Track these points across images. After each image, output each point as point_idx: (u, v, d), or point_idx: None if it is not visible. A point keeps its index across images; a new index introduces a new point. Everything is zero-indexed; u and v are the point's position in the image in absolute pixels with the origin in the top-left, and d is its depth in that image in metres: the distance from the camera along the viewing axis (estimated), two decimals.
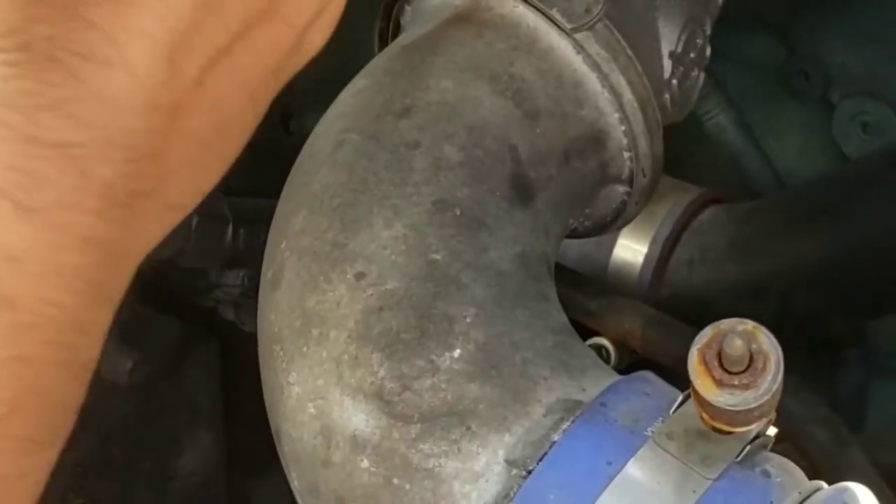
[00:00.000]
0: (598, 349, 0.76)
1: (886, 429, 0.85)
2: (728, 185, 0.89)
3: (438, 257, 0.52)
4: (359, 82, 0.59)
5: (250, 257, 0.76)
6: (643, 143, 0.59)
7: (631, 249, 0.81)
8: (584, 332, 0.74)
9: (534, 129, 0.57)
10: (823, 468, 0.62)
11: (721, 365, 0.43)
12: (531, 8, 0.58)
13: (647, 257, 0.80)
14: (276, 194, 0.90)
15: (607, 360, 0.75)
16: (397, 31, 0.65)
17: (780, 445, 0.49)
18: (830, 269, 0.79)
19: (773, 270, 0.80)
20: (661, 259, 0.80)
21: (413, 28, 0.61)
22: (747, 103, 0.93)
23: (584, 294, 0.73)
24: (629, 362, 0.76)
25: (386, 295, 0.51)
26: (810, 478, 0.47)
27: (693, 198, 0.82)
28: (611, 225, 0.64)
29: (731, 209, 0.83)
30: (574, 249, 0.81)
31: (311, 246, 0.54)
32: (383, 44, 0.65)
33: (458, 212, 0.54)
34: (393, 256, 0.52)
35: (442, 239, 0.53)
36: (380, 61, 0.59)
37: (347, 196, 0.54)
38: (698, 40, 0.64)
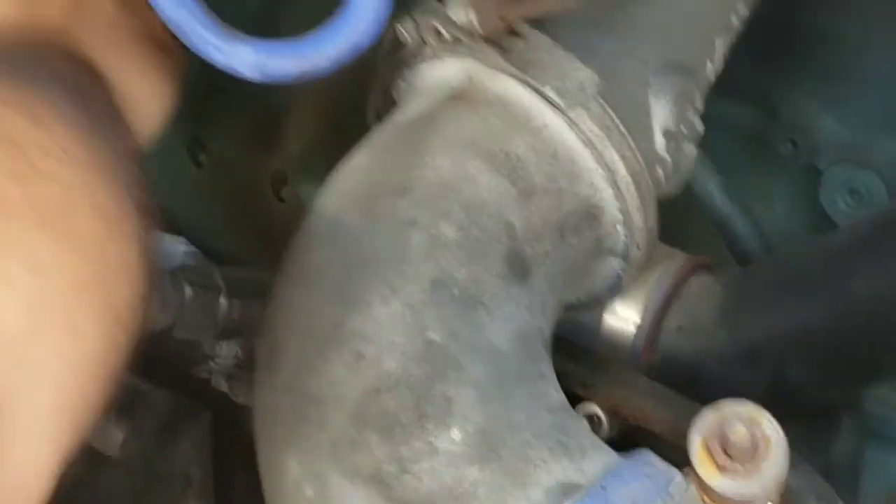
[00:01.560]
0: (590, 418, 0.76)
1: (881, 495, 0.85)
2: (715, 250, 0.90)
3: (436, 337, 0.52)
4: (357, 159, 0.59)
5: (244, 329, 0.76)
6: (637, 218, 0.60)
7: (621, 318, 0.81)
8: (575, 398, 0.74)
9: (529, 205, 0.58)
10: None
11: (724, 450, 0.43)
12: (525, 86, 0.58)
13: (639, 326, 0.80)
14: (267, 262, 0.90)
15: (599, 429, 0.75)
16: (389, 103, 0.65)
17: None
18: (822, 337, 0.79)
19: (764, 338, 0.80)
20: (653, 327, 0.80)
21: (408, 104, 0.61)
22: (734, 169, 0.93)
23: (576, 363, 0.73)
24: (620, 430, 0.76)
25: (384, 376, 0.51)
26: None
27: (682, 264, 0.83)
28: (605, 297, 0.64)
29: (721, 276, 0.83)
30: (564, 316, 0.82)
31: (309, 325, 0.54)
32: (376, 116, 0.65)
33: (456, 291, 0.54)
34: (391, 336, 0.52)
35: (439, 318, 0.53)
36: (377, 138, 0.60)
37: (345, 274, 0.55)
38: (690, 115, 0.65)
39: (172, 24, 0.60)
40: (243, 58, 0.59)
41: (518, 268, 0.56)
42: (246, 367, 0.75)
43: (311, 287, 0.55)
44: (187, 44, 0.60)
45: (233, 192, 0.95)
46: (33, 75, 0.47)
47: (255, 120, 0.94)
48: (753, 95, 0.95)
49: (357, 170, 0.59)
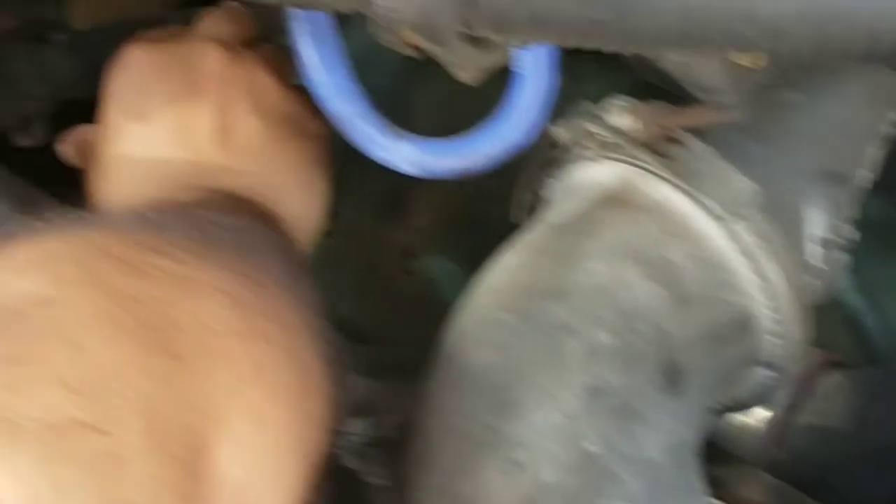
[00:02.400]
0: None
1: None
2: (844, 346, 0.88)
3: (593, 448, 0.52)
4: (511, 258, 0.59)
5: (374, 407, 0.76)
6: (795, 331, 0.59)
7: (751, 413, 0.80)
8: None
9: (685, 314, 0.58)
10: None
11: None
12: (684, 194, 0.58)
13: (769, 422, 0.79)
14: (395, 338, 0.91)
15: None
16: (536, 199, 0.66)
17: None
18: None
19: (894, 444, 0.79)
20: (782, 424, 0.80)
21: (561, 205, 0.62)
22: (865, 263, 0.92)
23: (707, 460, 0.73)
24: None
25: (540, 486, 0.51)
26: None
27: (814, 362, 0.82)
28: (751, 404, 0.64)
29: (853, 375, 0.82)
30: None
31: (464, 428, 0.54)
32: (521, 211, 0.66)
33: (612, 400, 0.54)
34: (547, 445, 0.52)
35: (596, 428, 0.53)
36: (532, 238, 0.60)
37: (501, 378, 0.55)
38: (842, 223, 0.64)
39: (336, 118, 0.61)
40: (405, 154, 0.61)
41: (673, 377, 0.56)
42: (377, 446, 0.75)
43: (465, 388, 0.55)
44: (349, 138, 0.61)
45: (361, 263, 0.96)
46: (250, 244, 0.49)
47: (385, 191, 0.95)
48: (884, 185, 0.94)
49: (511, 270, 0.59)
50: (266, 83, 0.63)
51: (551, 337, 0.55)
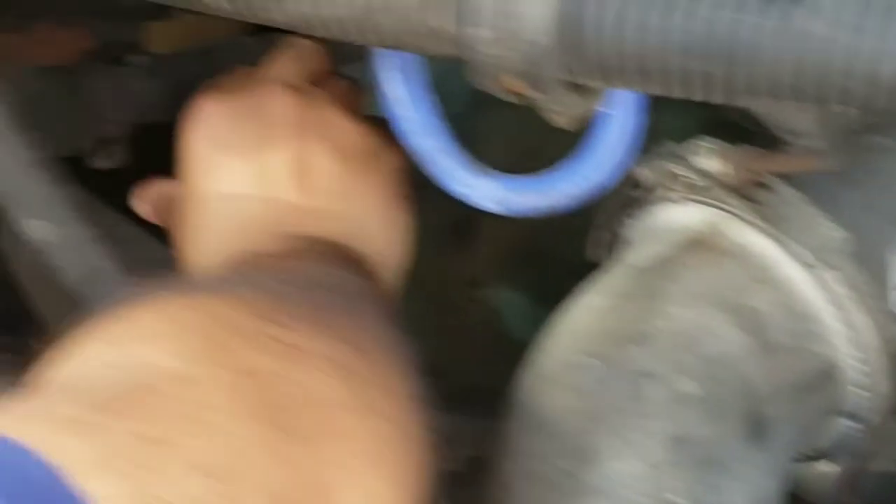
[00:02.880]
0: None
1: None
2: None
3: (678, 500, 0.51)
4: (592, 300, 0.59)
5: (440, 440, 0.76)
6: (882, 384, 0.58)
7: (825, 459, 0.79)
8: None
9: (770, 363, 0.57)
10: None
11: None
12: (773, 240, 0.57)
13: (843, 468, 0.78)
14: (459, 367, 0.90)
15: None
16: (614, 239, 0.65)
17: None
18: None
19: None
20: (857, 471, 0.78)
21: (643, 246, 0.61)
22: None
23: None
24: None
25: None
26: None
27: (889, 408, 0.80)
28: (832, 454, 0.63)
29: None
30: None
31: (542, 473, 0.54)
32: (599, 250, 0.65)
33: (696, 450, 0.53)
34: (628, 495, 0.52)
35: (679, 479, 0.52)
36: (613, 280, 0.59)
37: (581, 424, 0.54)
38: None
39: (418, 153, 0.61)
40: (488, 193, 0.60)
41: (757, 428, 0.55)
42: (445, 481, 0.75)
43: (543, 432, 0.55)
44: (430, 174, 0.61)
45: (426, 291, 0.96)
46: (350, 301, 0.49)
47: (451, 221, 0.95)
48: None
49: (591, 312, 0.58)
50: (340, 122, 0.63)
51: (633, 383, 0.54)
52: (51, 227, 0.64)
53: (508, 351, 0.89)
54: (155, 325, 0.42)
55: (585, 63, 0.41)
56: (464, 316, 0.94)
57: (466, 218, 0.95)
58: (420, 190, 0.95)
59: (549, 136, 0.88)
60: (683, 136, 0.64)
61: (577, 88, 0.43)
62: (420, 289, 0.96)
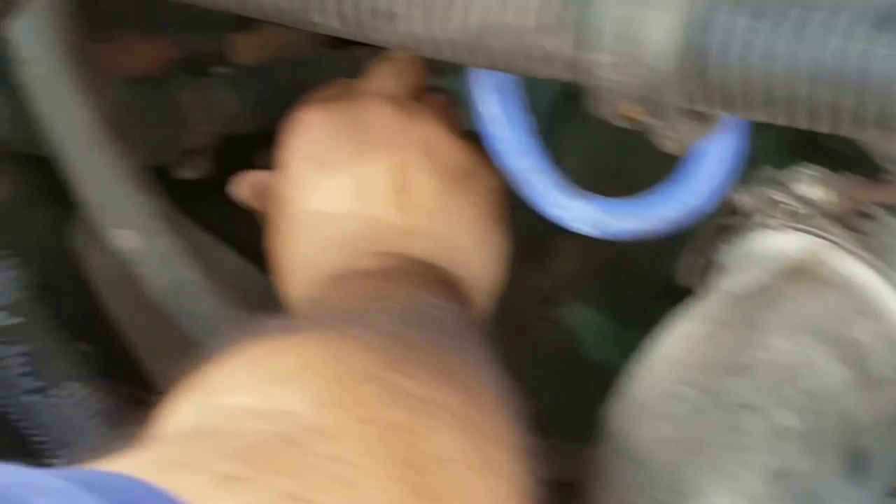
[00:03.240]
0: None
1: None
2: None
3: None
4: (689, 327, 0.58)
5: None
6: None
7: None
8: None
9: (869, 397, 0.55)
10: None
11: None
12: (874, 270, 0.56)
13: None
14: (531, 387, 0.89)
15: None
16: (706, 264, 0.64)
17: None
18: None
19: None
20: None
21: (740, 273, 0.60)
22: None
23: None
24: None
25: None
26: None
27: None
28: None
29: None
30: None
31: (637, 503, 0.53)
32: (694, 275, 0.64)
33: (796, 485, 0.52)
34: None
35: None
36: (710, 308, 0.58)
37: (678, 455, 0.53)
38: None
39: (512, 173, 0.60)
40: (583, 215, 0.59)
41: (856, 463, 0.54)
42: None
43: (638, 462, 0.54)
44: (524, 195, 0.60)
45: (499, 307, 0.95)
46: (461, 342, 0.49)
47: (528, 236, 0.93)
48: None
49: (687, 340, 0.57)
50: (440, 139, 0.62)
51: (732, 415, 0.53)
52: (139, 238, 0.64)
53: (584, 372, 0.88)
54: (291, 368, 0.42)
55: (708, 91, 0.40)
56: (538, 334, 0.92)
57: (543, 232, 0.94)
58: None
59: (624, 157, 0.88)
60: (767, 159, 0.63)
61: (695, 115, 0.42)
62: (493, 305, 0.95)
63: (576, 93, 0.90)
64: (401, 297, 0.53)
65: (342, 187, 0.61)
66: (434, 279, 0.59)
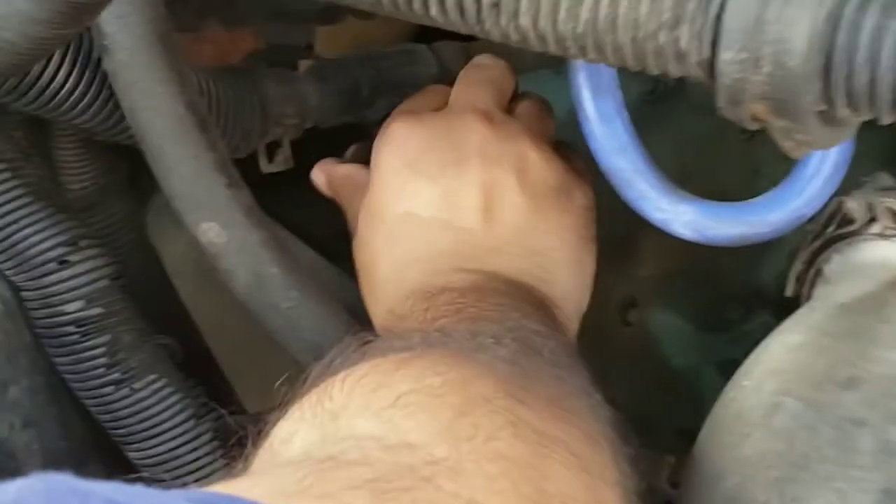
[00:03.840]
0: None
1: None
2: None
3: None
4: (794, 337, 0.56)
5: None
6: None
7: None
8: None
9: None
10: None
11: None
12: None
13: None
14: (608, 395, 0.87)
15: None
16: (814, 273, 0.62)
17: None
18: None
19: None
20: None
21: (849, 283, 0.58)
22: None
23: None
24: None
25: None
26: None
27: None
28: None
29: None
30: None
31: None
32: (800, 285, 0.62)
33: None
34: None
35: None
36: (817, 319, 0.56)
37: (786, 470, 0.51)
38: None
39: (612, 174, 0.58)
40: (684, 218, 0.57)
41: None
42: None
43: (746, 476, 0.52)
44: (622, 195, 0.58)
45: None
46: (557, 371, 0.48)
47: (608, 236, 0.91)
48: None
49: (797, 350, 0.55)
50: (532, 154, 0.61)
51: (842, 430, 0.51)
52: (224, 231, 0.63)
53: (665, 379, 0.85)
54: (414, 395, 0.41)
55: (849, 93, 0.38)
56: (616, 339, 0.90)
57: (625, 234, 0.91)
58: None
59: (714, 152, 0.85)
60: (867, 165, 0.61)
61: (830, 119, 0.40)
62: None
63: (660, 93, 0.88)
64: (498, 318, 0.52)
65: (431, 201, 0.60)
66: (522, 298, 0.57)
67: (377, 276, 0.61)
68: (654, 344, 0.87)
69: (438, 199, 0.60)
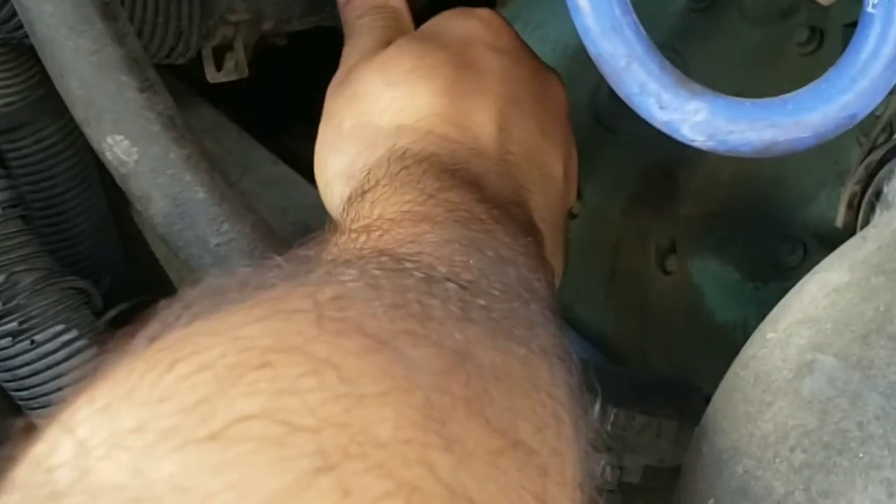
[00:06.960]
0: None
1: None
2: None
3: None
4: (836, 276, 0.42)
5: (616, 443, 0.61)
6: None
7: None
8: None
9: None
10: None
11: None
12: None
13: None
14: (644, 351, 0.74)
15: None
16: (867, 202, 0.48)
17: None
18: None
19: None
20: None
21: None
22: None
23: None
24: None
25: None
26: None
27: None
28: None
29: None
30: None
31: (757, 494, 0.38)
32: (851, 211, 0.48)
33: None
34: None
35: None
36: (868, 251, 0.42)
37: (817, 453, 0.38)
38: None
39: (605, 64, 0.45)
40: (693, 118, 0.43)
41: None
42: (616, 493, 0.60)
43: (762, 460, 0.38)
44: (617, 89, 0.45)
45: (607, 258, 0.79)
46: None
47: (644, 172, 0.78)
48: None
49: (837, 293, 0.41)
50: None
51: (889, 396, 0.38)
52: (132, 146, 0.51)
53: (709, 335, 0.72)
54: (372, 382, 0.31)
55: None
56: (653, 289, 0.77)
57: (664, 170, 0.78)
58: (603, 131, 0.79)
59: (768, 71, 0.72)
60: None
61: None
62: (600, 254, 0.80)
63: (710, 1, 0.76)
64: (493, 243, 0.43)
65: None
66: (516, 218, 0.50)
67: (345, 126, 0.55)
68: (695, 295, 0.74)
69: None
